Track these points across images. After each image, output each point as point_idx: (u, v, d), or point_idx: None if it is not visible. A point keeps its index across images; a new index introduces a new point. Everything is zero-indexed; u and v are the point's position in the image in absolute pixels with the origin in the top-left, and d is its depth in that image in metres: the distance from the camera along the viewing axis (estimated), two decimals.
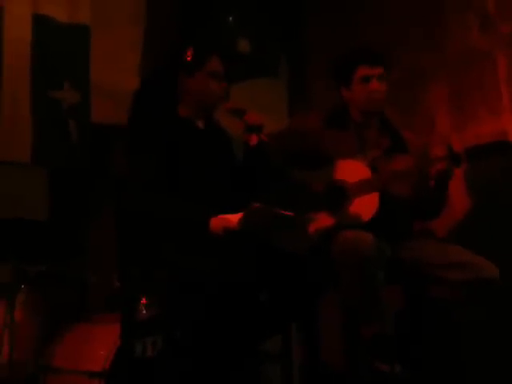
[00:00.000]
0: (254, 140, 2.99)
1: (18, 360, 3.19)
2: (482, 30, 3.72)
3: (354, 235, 2.86)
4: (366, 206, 3.01)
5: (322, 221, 3.04)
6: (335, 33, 4.32)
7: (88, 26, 3.95)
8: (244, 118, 2.97)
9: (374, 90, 3.09)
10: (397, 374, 2.86)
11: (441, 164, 2.87)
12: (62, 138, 3.85)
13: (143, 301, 3.15)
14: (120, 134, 3.65)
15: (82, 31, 3.95)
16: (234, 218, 2.69)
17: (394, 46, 3.84)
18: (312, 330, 2.97)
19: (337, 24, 4.33)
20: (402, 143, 3.17)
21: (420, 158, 2.94)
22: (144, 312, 3.14)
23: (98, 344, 3.14)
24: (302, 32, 4.54)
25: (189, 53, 2.95)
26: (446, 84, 3.85)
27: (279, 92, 4.49)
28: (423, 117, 3.90)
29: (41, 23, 3.84)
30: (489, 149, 2.83)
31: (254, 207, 2.66)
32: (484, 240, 3.38)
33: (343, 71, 3.17)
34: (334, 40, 4.29)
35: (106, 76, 3.94)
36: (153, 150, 2.83)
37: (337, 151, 3.11)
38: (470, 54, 3.75)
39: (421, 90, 3.93)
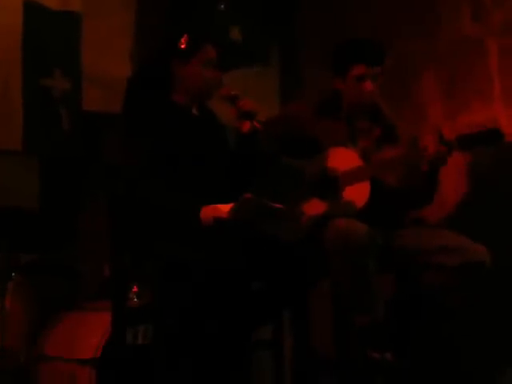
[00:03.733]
0: (246, 127, 2.98)
1: (9, 348, 3.19)
2: (474, 17, 3.72)
3: (346, 224, 2.86)
4: (357, 195, 3.01)
5: (315, 208, 3.04)
6: (328, 20, 4.31)
7: (79, 13, 3.92)
8: (238, 105, 2.96)
9: (366, 90, 3.07)
10: (388, 362, 2.87)
11: (432, 152, 2.87)
12: (53, 126, 3.82)
13: (135, 289, 3.16)
14: (111, 122, 3.66)
15: (74, 18, 3.92)
16: (225, 208, 2.69)
17: (386, 34, 3.82)
18: (303, 317, 2.97)
19: (329, 11, 4.32)
20: (394, 133, 3.17)
21: (411, 147, 2.95)
22: (135, 300, 3.15)
23: (89, 332, 3.14)
24: (294, 19, 4.52)
25: (183, 40, 2.95)
26: (437, 72, 3.85)
27: (271, 80, 4.48)
28: (415, 106, 3.90)
29: (32, 10, 3.80)
30: (480, 137, 2.84)
31: (245, 198, 2.66)
32: (476, 228, 3.39)
33: (340, 63, 3.14)
34: (326, 28, 4.29)
35: (98, 63, 3.91)
36: (148, 135, 2.83)
37: (328, 140, 3.11)
38: (462, 43, 3.75)
39: (412, 79, 3.92)
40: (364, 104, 3.12)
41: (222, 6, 4.20)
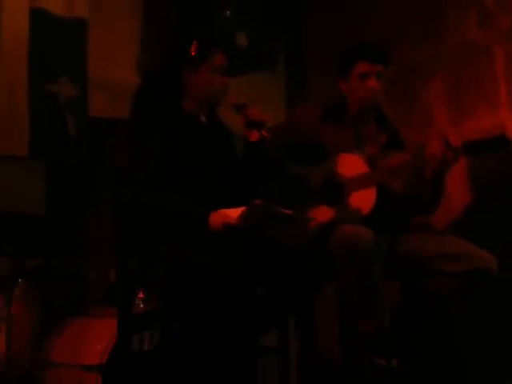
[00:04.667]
0: (254, 136, 2.98)
1: (15, 354, 3.19)
2: (480, 24, 3.72)
3: (352, 230, 2.86)
4: (363, 201, 3.01)
5: (322, 215, 3.04)
6: (333, 27, 4.32)
7: (85, 20, 3.94)
8: (246, 113, 2.97)
9: (371, 87, 3.08)
10: (394, 369, 2.86)
11: (438, 159, 2.86)
12: (59, 132, 3.84)
13: (140, 295, 3.16)
14: (118, 128, 3.67)
15: (80, 25, 3.94)
16: (234, 214, 2.69)
17: (392, 40, 3.83)
18: (309, 323, 2.97)
19: (335, 17, 4.32)
20: (399, 140, 3.16)
21: (417, 154, 2.94)
22: (141, 306, 3.15)
23: (95, 338, 3.14)
24: (300, 25, 4.53)
25: (193, 48, 2.96)
26: (443, 78, 3.85)
27: (277, 86, 4.49)
28: (421, 112, 3.90)
29: (38, 17, 3.82)
30: (486, 143, 2.83)
31: (254, 204, 2.66)
32: (482, 235, 3.38)
33: (343, 64, 3.15)
34: (332, 34, 4.29)
35: (104, 69, 3.92)
36: (156, 141, 2.83)
37: (334, 146, 3.11)
38: (468, 49, 3.74)
39: (418, 85, 3.92)
40: (368, 102, 3.11)
41: (228, 13, 4.21)
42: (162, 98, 2.97)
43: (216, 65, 2.96)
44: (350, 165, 3.08)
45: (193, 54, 2.96)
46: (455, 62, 3.79)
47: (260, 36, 4.33)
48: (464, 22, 3.77)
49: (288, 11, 4.50)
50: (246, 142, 3.01)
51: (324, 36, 4.37)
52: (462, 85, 3.77)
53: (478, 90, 3.70)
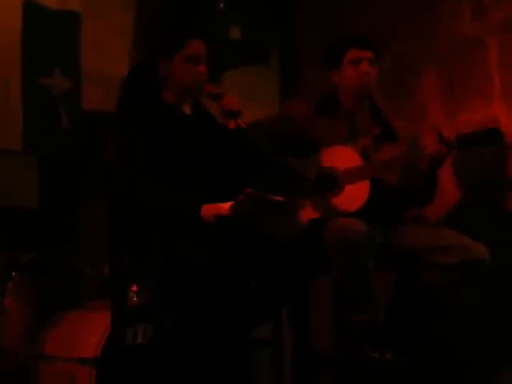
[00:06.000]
0: (231, 125, 2.97)
1: (8, 348, 3.18)
2: (473, 16, 3.73)
3: (346, 222, 2.87)
4: (357, 193, 3.01)
5: (314, 209, 3.04)
6: (327, 21, 4.32)
7: (78, 13, 3.94)
8: (221, 103, 2.95)
9: (364, 71, 3.09)
10: (387, 361, 2.86)
11: (432, 152, 2.87)
12: (52, 125, 3.84)
13: (134, 288, 3.16)
14: (111, 121, 3.66)
15: (73, 18, 3.94)
16: (226, 205, 2.69)
17: (386, 34, 3.84)
18: (303, 316, 2.97)
19: (329, 12, 4.33)
20: (393, 131, 3.17)
21: (411, 147, 2.94)
22: (135, 299, 3.14)
23: (89, 331, 3.13)
24: (293, 20, 4.53)
25: (166, 36, 2.95)
26: (437, 72, 3.86)
27: (270, 79, 4.49)
28: (415, 105, 3.91)
29: (31, 10, 3.82)
30: (480, 136, 2.84)
31: (246, 193, 2.65)
32: (474, 227, 3.39)
33: (333, 54, 3.17)
34: (325, 28, 4.29)
35: (97, 63, 3.93)
36: (139, 136, 2.81)
37: (327, 138, 3.11)
38: (462, 41, 3.75)
39: (412, 78, 3.93)
40: (363, 90, 3.11)
41: (222, 6, 4.20)
42: (143, 90, 2.95)
43: (190, 53, 2.91)
44: (343, 157, 3.08)
45: (166, 42, 2.95)
46: (449, 55, 3.80)
47: (254, 29, 4.33)
48: (457, 16, 3.78)
49: (282, 4, 4.50)
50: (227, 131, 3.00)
51: (318, 29, 4.37)
52: (456, 78, 3.78)
53: (472, 84, 3.70)
